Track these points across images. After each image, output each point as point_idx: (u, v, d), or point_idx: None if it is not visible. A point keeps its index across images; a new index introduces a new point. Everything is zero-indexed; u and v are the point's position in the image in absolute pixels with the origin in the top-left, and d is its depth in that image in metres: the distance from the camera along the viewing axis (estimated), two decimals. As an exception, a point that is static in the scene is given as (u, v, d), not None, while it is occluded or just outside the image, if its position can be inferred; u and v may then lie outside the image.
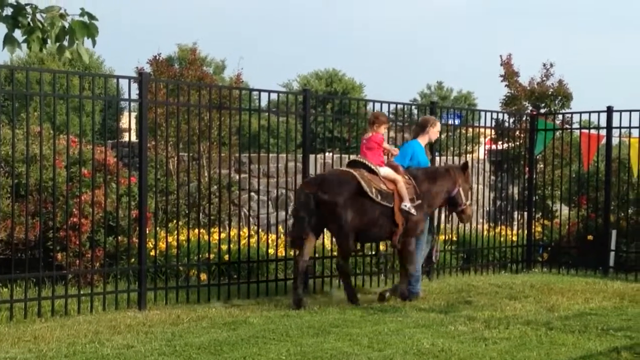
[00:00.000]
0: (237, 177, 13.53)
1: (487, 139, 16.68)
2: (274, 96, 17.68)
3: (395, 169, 9.96)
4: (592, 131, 13.71)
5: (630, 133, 13.08)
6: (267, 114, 11.45)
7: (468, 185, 10.60)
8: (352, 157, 10.50)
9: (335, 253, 10.67)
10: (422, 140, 10.74)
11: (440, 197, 10.32)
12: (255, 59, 76.52)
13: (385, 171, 9.83)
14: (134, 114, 15.90)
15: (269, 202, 13.33)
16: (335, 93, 49.21)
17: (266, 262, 10.86)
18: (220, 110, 11.03)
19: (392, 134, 12.51)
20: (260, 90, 10.91)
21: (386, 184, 9.73)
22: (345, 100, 21.66)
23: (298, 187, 10.48)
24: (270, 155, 12.94)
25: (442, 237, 12.88)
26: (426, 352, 7.13)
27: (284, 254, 11.17)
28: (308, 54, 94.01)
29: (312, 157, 12.19)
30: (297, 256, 9.72)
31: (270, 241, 11.02)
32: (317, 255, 11.00)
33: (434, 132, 10.73)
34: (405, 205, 9.70)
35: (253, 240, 10.67)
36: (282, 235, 12.07)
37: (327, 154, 15.21)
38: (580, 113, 13.98)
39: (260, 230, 10.99)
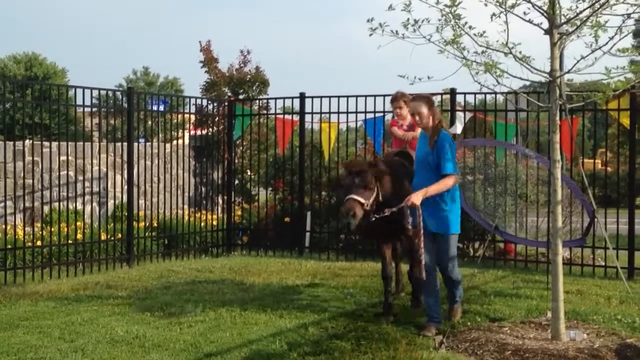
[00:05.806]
0: None
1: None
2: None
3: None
4: (287, 116, 14.16)
5: (321, 118, 13.65)
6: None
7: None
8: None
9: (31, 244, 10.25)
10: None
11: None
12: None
13: None
14: None
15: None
16: (35, 78, 47.24)
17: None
18: None
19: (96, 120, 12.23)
20: None
21: None
22: (44, 85, 20.76)
23: None
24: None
25: (142, 224, 12.85)
26: (120, 339, 7.05)
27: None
28: (5, 36, 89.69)
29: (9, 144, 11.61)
30: None
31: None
32: (9, 246, 10.56)
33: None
34: None
35: None
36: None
37: (27, 141, 14.53)
38: (276, 99, 14.34)
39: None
